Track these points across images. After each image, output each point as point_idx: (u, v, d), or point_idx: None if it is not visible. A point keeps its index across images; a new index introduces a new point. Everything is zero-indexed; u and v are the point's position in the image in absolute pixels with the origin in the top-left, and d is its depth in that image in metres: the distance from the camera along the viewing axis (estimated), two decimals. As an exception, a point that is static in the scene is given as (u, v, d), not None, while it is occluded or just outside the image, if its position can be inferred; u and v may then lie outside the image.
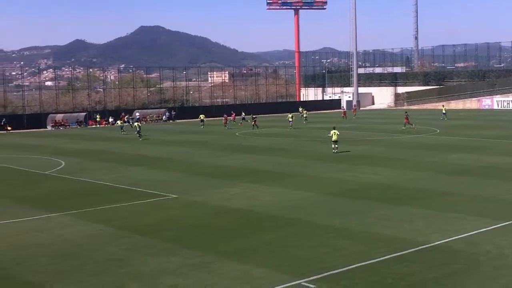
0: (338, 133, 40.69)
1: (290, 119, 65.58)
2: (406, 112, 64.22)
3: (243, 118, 75.41)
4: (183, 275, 15.18)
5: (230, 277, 14.97)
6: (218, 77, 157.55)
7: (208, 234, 19.62)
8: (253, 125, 64.84)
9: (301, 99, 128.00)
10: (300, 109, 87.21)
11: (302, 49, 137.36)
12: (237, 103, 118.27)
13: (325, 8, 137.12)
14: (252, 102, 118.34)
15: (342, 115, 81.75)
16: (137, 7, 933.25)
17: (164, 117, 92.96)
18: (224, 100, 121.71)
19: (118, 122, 72.63)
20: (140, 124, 60.91)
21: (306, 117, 75.69)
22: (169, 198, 26.24)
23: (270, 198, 25.49)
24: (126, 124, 73.48)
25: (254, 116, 68.66)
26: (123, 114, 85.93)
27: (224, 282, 14.62)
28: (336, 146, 40.26)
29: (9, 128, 76.42)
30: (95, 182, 31.38)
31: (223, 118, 72.40)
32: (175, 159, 40.71)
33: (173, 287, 14.40)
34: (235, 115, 77.04)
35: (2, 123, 77.39)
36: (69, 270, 15.91)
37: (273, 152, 42.59)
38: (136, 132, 57.76)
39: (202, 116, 73.35)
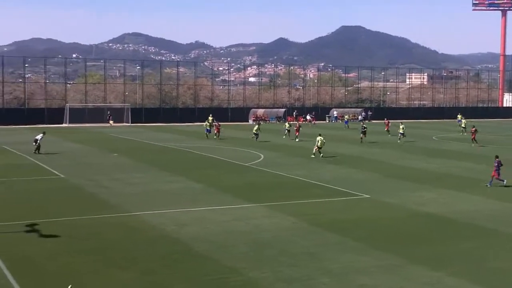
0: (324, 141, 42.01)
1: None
2: (473, 126, 54.58)
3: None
4: (372, 276, 15.34)
5: (420, 282, 14.85)
6: (416, 78, 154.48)
7: (400, 237, 19.58)
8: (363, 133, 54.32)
9: (504, 105, 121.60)
10: (459, 116, 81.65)
11: (508, 52, 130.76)
12: (435, 106, 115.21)
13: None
14: (451, 106, 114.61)
15: None
16: (339, 7, 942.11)
17: (360, 116, 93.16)
18: (421, 102, 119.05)
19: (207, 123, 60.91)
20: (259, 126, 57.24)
21: (465, 127, 64.29)
22: (362, 197, 26.45)
23: (466, 206, 24.75)
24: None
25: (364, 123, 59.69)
26: (295, 113, 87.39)
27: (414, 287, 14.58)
28: (320, 151, 41.42)
29: (111, 122, 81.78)
30: (290, 176, 32.45)
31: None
32: (369, 159, 40.79)
33: (362, 286, 14.61)
34: (388, 121, 68.55)
35: (108, 117, 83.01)
36: (265, 259, 16.70)
37: (470, 158, 41.01)
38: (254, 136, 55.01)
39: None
